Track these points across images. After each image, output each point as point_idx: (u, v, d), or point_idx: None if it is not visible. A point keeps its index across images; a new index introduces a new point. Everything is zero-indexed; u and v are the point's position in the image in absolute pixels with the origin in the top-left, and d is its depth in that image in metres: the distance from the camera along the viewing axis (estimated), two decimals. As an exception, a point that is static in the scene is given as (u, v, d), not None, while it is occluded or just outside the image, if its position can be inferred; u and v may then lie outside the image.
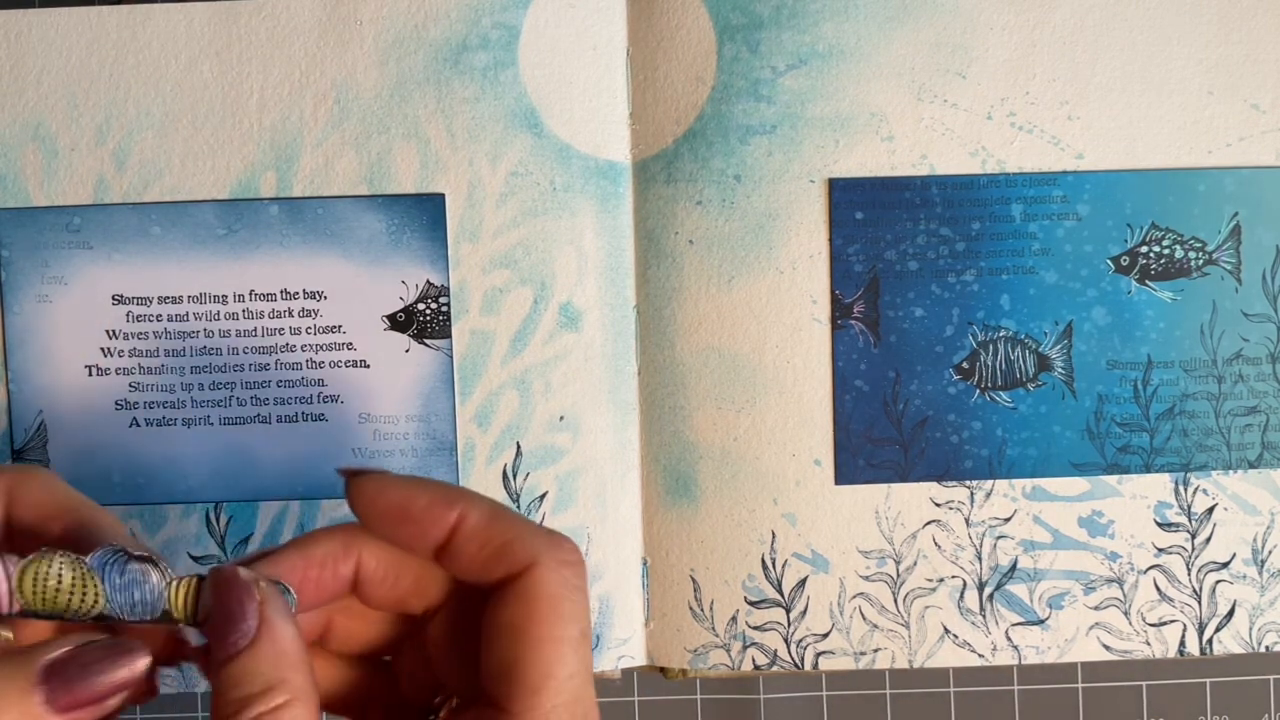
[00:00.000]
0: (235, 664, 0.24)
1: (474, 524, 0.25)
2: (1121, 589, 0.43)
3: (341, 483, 0.26)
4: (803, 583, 0.43)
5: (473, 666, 0.26)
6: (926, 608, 0.43)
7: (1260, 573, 0.43)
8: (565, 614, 0.24)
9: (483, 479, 0.43)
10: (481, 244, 0.42)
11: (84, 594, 0.24)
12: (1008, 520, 0.43)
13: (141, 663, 0.24)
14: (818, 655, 0.43)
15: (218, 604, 0.24)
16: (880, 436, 0.43)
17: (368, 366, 0.43)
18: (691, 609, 0.43)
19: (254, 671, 0.23)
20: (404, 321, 0.42)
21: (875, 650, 0.43)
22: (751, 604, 0.43)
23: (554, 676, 0.24)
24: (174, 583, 0.25)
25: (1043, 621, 0.43)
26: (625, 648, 0.43)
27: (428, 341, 0.43)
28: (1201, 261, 0.43)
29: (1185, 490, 0.43)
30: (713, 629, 0.43)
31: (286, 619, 0.24)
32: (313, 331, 0.42)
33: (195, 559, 0.43)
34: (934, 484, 0.43)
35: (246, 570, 0.24)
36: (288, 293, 0.42)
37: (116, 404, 0.42)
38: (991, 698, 0.45)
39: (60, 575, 0.24)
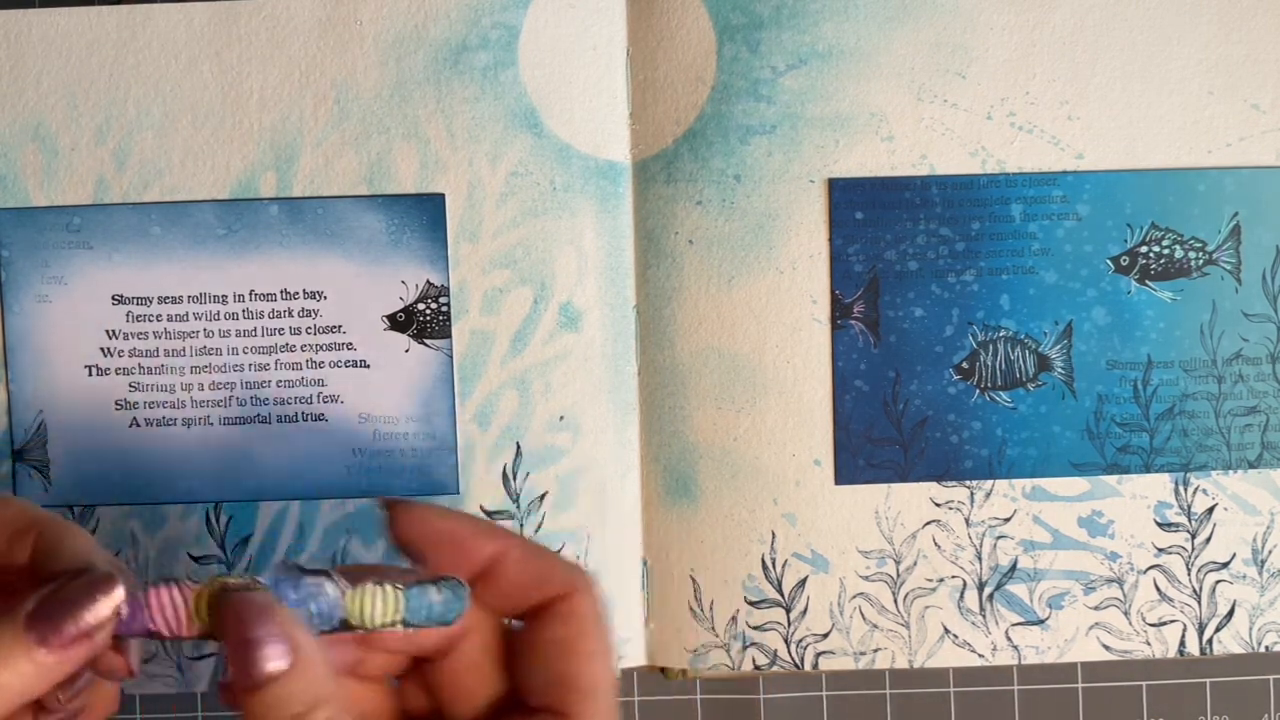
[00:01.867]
0: (271, 690, 0.24)
1: (517, 555, 0.28)
2: (1121, 589, 0.43)
3: (377, 510, 0.28)
4: (803, 583, 0.43)
5: (485, 692, 0.28)
6: (926, 608, 0.43)
7: (1260, 573, 0.43)
8: (603, 632, 0.28)
9: (483, 479, 0.43)
10: (481, 244, 0.42)
11: None
12: (1008, 520, 0.43)
13: (119, 591, 0.24)
14: (818, 655, 0.43)
15: (237, 629, 0.24)
16: (880, 436, 0.43)
17: (367, 366, 0.43)
18: (691, 609, 0.43)
19: (295, 694, 0.24)
20: (404, 321, 0.42)
21: (875, 650, 0.43)
22: (751, 604, 0.43)
23: (603, 683, 0.27)
24: (349, 593, 0.25)
25: (1043, 621, 0.43)
26: (625, 648, 0.43)
27: (428, 341, 0.43)
28: (1201, 261, 0.43)
29: (1185, 490, 0.43)
30: (713, 629, 0.43)
31: (313, 640, 0.25)
32: (312, 331, 0.42)
33: (195, 559, 0.43)
34: (934, 484, 0.43)
35: (264, 594, 0.25)
36: (288, 293, 0.42)
37: (116, 404, 0.42)
38: (991, 698, 0.45)
39: None
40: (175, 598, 0.25)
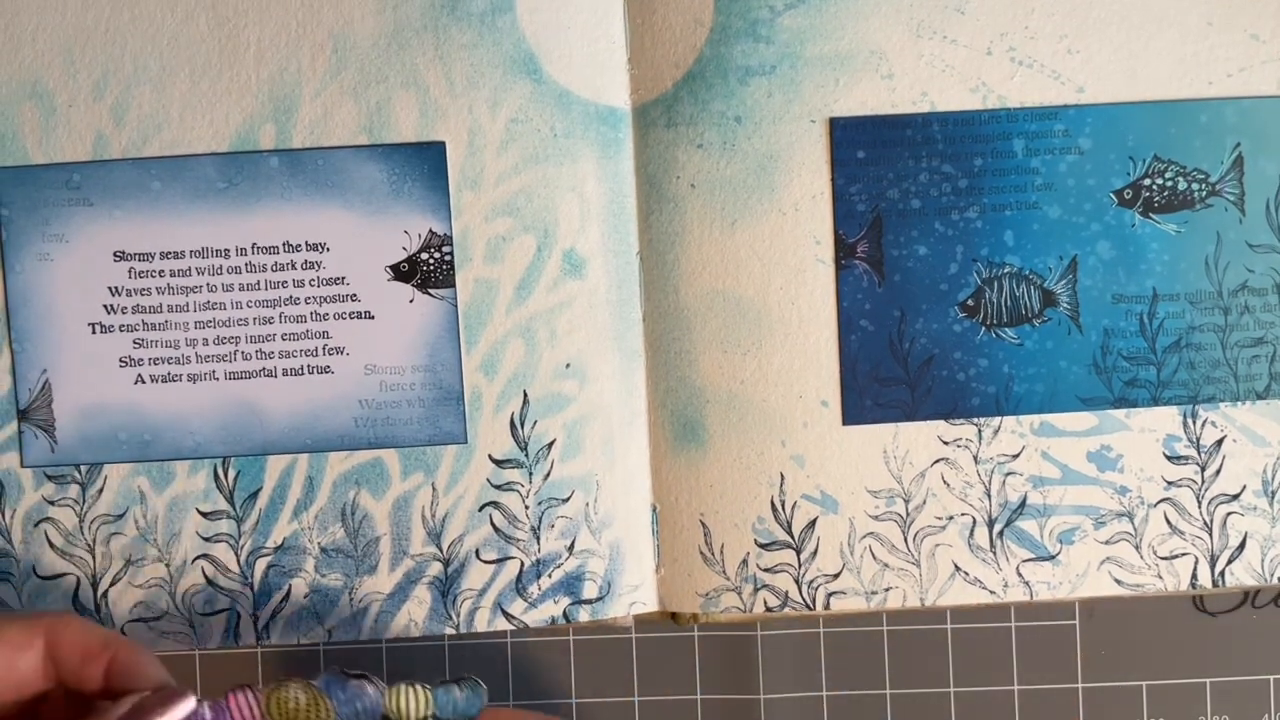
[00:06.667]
0: None
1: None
2: (1132, 523, 0.43)
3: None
4: (812, 524, 0.43)
5: None
6: (937, 546, 0.43)
7: (1271, 504, 0.43)
8: None
9: (490, 428, 0.43)
10: (483, 192, 0.42)
11: (318, 711, 0.30)
12: (1016, 457, 0.43)
13: (189, 702, 0.29)
14: (829, 596, 0.43)
15: None
16: (887, 376, 0.43)
17: (372, 318, 0.42)
18: (702, 553, 0.43)
19: None
20: (407, 271, 0.42)
21: (886, 589, 0.43)
22: (761, 546, 0.43)
23: None
24: (387, 692, 0.30)
25: (1053, 557, 0.43)
26: (637, 594, 0.43)
27: (432, 291, 0.42)
28: (1205, 193, 0.43)
29: (1194, 423, 0.43)
30: (723, 573, 0.43)
31: None
32: (316, 284, 0.42)
33: (204, 514, 0.43)
34: (941, 422, 0.43)
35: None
36: (290, 245, 0.42)
37: (121, 361, 0.42)
38: (992, 695, 0.45)
39: (298, 698, 0.30)
40: (249, 700, 0.30)
